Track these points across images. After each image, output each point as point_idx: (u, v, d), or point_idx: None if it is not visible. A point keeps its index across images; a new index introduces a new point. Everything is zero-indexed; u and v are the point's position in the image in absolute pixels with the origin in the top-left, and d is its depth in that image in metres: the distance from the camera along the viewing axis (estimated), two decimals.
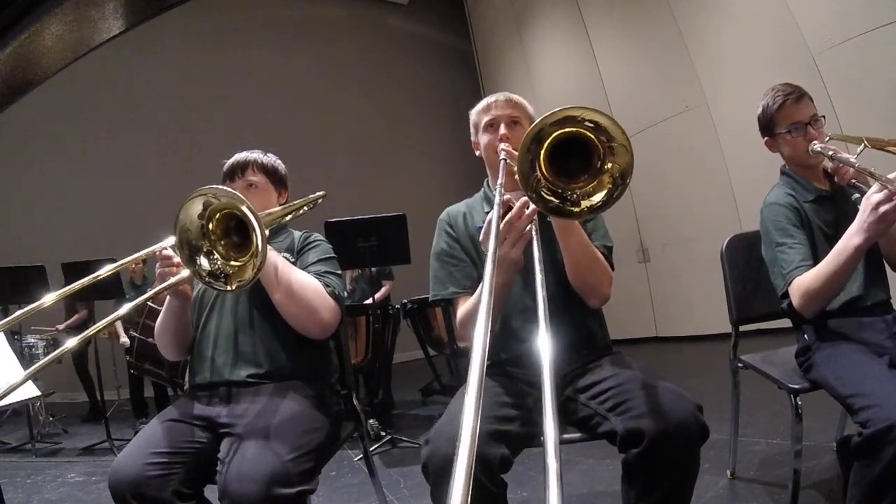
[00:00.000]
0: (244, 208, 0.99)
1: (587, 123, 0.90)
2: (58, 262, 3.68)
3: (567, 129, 0.91)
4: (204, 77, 6.83)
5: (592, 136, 0.91)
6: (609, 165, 0.93)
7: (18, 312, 1.05)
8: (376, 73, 7.94)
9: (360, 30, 8.06)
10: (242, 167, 1.42)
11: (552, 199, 0.96)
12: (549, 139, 0.92)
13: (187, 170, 5.44)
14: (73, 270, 3.63)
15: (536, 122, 0.91)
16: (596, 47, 5.82)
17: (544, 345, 0.66)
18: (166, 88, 6.61)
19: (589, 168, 0.94)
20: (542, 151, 0.94)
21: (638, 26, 5.32)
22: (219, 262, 1.06)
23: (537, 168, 0.95)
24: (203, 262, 1.06)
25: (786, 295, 1.31)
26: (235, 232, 1.08)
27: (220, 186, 1.02)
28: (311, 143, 7.01)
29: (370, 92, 7.84)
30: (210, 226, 1.06)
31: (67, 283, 3.88)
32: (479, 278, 1.20)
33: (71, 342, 1.05)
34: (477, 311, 1.17)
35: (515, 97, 1.34)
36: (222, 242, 1.08)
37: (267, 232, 1.24)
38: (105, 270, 1.20)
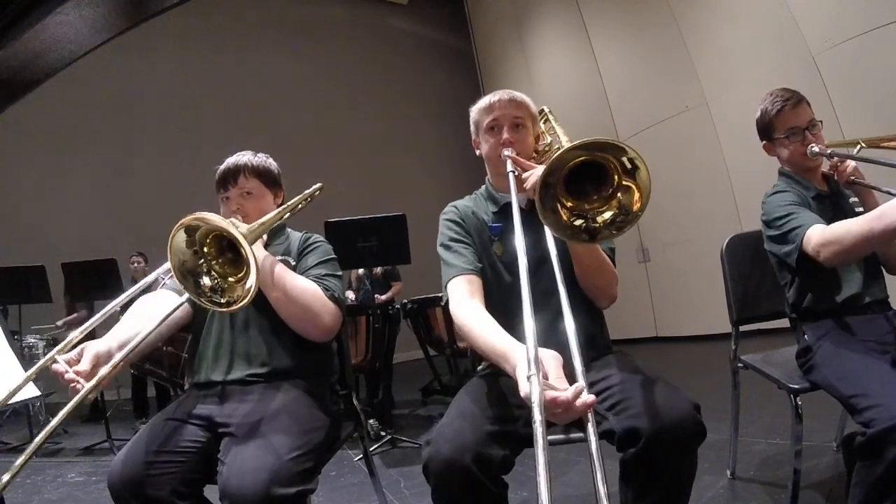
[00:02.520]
0: (232, 232, 0.99)
1: (625, 162, 0.90)
2: (58, 262, 3.69)
3: (578, 160, 0.91)
4: (203, 77, 6.83)
5: (608, 163, 0.92)
6: (620, 195, 0.93)
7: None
8: (376, 73, 7.95)
9: (360, 30, 8.06)
10: (234, 174, 1.39)
11: (581, 222, 0.96)
12: (565, 170, 0.92)
13: (187, 170, 5.44)
14: (73, 270, 3.63)
15: (546, 167, 0.91)
16: (596, 47, 5.82)
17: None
18: (165, 89, 6.61)
19: (600, 192, 0.95)
20: (559, 186, 0.94)
21: (638, 26, 5.32)
22: (217, 280, 1.07)
23: (560, 210, 0.95)
24: (205, 280, 1.07)
25: (797, 252, 1.27)
26: (229, 249, 1.09)
27: (205, 213, 1.01)
28: (311, 143, 7.01)
29: (370, 92, 7.84)
30: (204, 249, 1.07)
31: (67, 284, 3.88)
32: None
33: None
34: (476, 346, 1.10)
35: (519, 96, 1.29)
36: (219, 260, 1.09)
37: (260, 248, 1.26)
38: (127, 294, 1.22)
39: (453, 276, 1.20)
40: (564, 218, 0.95)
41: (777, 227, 1.35)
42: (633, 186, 0.91)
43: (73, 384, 1.00)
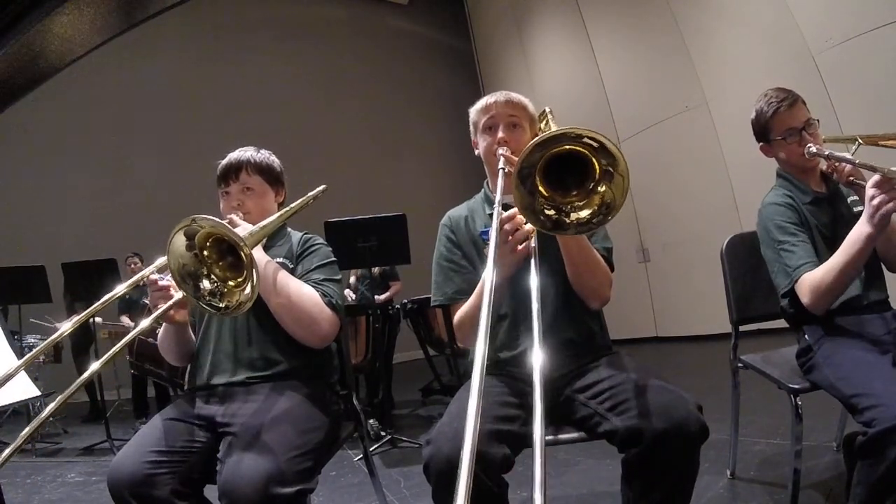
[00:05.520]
0: (230, 235, 0.99)
1: (587, 141, 0.89)
2: (58, 262, 3.69)
3: (557, 149, 0.91)
4: (203, 77, 6.83)
5: (589, 155, 0.91)
6: (602, 188, 0.93)
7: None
8: (376, 73, 7.95)
9: (360, 30, 8.07)
10: (236, 169, 1.39)
11: (552, 213, 0.97)
12: (541, 162, 0.93)
13: (186, 170, 5.44)
14: (73, 270, 3.63)
15: (520, 158, 0.92)
16: (596, 47, 5.82)
17: (537, 359, 0.75)
18: (165, 89, 6.61)
19: (581, 186, 0.96)
20: (537, 175, 0.94)
21: (638, 26, 5.32)
22: (217, 284, 1.07)
23: (537, 194, 0.96)
24: (204, 284, 1.06)
25: (787, 294, 1.31)
26: (229, 253, 1.08)
27: (203, 216, 1.01)
28: (311, 143, 7.01)
29: (370, 92, 7.85)
30: (204, 252, 1.06)
31: (67, 283, 3.88)
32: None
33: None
34: (473, 315, 1.20)
35: (516, 97, 1.31)
36: (219, 264, 1.08)
37: (260, 252, 1.26)
38: (119, 290, 1.20)
39: (456, 300, 1.28)
40: (538, 203, 0.96)
41: (773, 247, 1.35)
42: (615, 173, 0.91)
43: (165, 291, 1.17)
